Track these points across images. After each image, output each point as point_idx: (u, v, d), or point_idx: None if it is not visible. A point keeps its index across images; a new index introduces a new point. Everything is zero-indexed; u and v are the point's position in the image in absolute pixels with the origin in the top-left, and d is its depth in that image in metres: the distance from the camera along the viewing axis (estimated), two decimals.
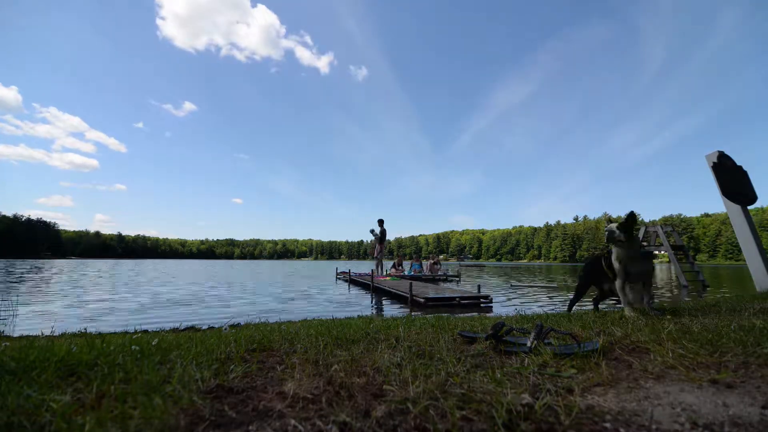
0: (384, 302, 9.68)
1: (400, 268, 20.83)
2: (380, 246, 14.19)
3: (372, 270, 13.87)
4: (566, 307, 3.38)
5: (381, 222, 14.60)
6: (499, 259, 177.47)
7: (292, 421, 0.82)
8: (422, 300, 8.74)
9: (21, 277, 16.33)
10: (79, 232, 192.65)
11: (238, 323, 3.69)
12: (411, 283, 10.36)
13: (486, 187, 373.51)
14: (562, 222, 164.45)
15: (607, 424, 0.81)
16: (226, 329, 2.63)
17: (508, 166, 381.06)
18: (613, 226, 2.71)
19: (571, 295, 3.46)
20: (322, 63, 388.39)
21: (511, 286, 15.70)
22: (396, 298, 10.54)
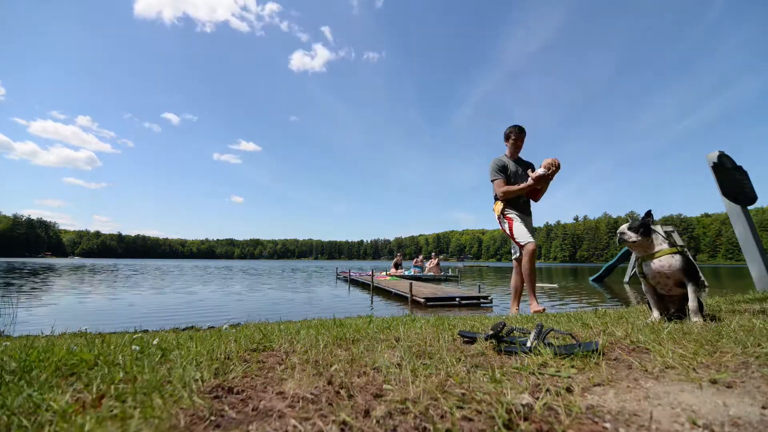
0: (384, 302, 9.67)
1: (401, 268, 20.86)
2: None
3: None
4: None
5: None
6: (499, 259, 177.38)
7: (293, 421, 0.82)
8: (422, 300, 8.75)
9: (22, 276, 16.32)
10: (79, 231, 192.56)
11: (238, 323, 3.69)
12: (411, 283, 10.36)
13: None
14: (562, 222, 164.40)
15: (607, 424, 0.81)
16: (226, 329, 2.63)
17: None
18: (625, 227, 2.40)
19: (571, 296, 3.43)
20: (316, 43, 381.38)
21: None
22: (396, 298, 10.54)
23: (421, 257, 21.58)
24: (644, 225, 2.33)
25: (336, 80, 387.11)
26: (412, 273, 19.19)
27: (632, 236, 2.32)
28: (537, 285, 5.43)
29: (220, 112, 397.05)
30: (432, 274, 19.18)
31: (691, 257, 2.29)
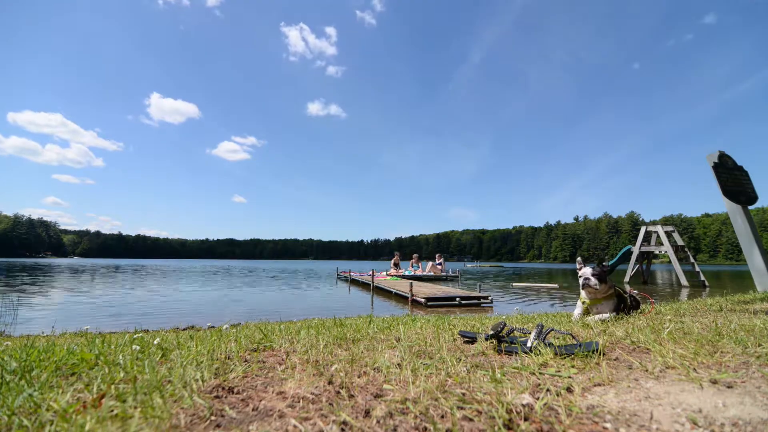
0: (384, 302, 9.68)
1: (400, 268, 20.86)
2: None
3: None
4: None
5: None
6: (499, 259, 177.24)
7: (293, 421, 0.82)
8: (422, 300, 8.75)
9: (23, 277, 16.36)
10: (80, 231, 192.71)
11: (239, 323, 3.70)
12: (411, 283, 10.37)
13: (492, 168, 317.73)
14: (563, 222, 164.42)
15: (608, 424, 0.81)
16: (226, 329, 2.63)
17: (523, 133, 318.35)
18: (588, 271, 2.68)
19: (571, 296, 3.54)
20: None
21: (512, 286, 15.70)
22: (396, 298, 10.54)
23: (416, 257, 21.56)
24: (603, 274, 2.66)
25: (333, 60, 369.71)
26: (412, 273, 19.20)
27: (597, 285, 2.62)
28: (537, 285, 5.41)
29: (222, 107, 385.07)
30: (431, 273, 19.18)
31: (622, 295, 2.73)
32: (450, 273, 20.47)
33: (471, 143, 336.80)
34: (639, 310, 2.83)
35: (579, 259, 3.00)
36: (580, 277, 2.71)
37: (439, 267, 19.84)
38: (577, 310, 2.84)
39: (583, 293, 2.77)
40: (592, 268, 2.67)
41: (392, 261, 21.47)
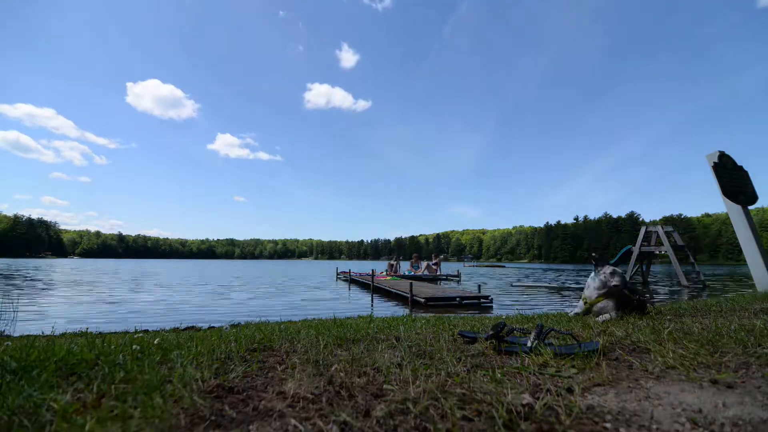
0: (384, 302, 9.68)
1: (399, 270, 20.86)
2: None
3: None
4: None
5: None
6: (499, 259, 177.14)
7: (293, 421, 0.82)
8: (423, 300, 8.75)
9: (23, 277, 16.38)
10: (80, 231, 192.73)
11: (239, 323, 3.70)
12: (411, 283, 10.37)
13: (494, 158, 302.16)
14: (563, 222, 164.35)
15: (608, 424, 0.81)
16: (226, 329, 2.63)
17: (524, 126, 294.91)
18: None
19: (571, 296, 3.55)
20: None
21: (512, 285, 15.72)
22: (396, 298, 10.55)
23: (416, 256, 21.58)
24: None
25: (335, 46, 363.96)
26: (412, 273, 19.21)
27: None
28: (537, 285, 5.43)
29: (219, 101, 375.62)
30: (427, 273, 19.19)
31: (624, 294, 2.74)
32: (450, 273, 20.45)
33: (473, 122, 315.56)
34: (645, 312, 2.81)
35: (594, 255, 2.92)
36: (613, 274, 2.71)
37: (434, 267, 19.83)
38: (578, 309, 2.89)
39: (586, 292, 2.82)
40: (623, 278, 2.73)
41: (389, 262, 21.45)
